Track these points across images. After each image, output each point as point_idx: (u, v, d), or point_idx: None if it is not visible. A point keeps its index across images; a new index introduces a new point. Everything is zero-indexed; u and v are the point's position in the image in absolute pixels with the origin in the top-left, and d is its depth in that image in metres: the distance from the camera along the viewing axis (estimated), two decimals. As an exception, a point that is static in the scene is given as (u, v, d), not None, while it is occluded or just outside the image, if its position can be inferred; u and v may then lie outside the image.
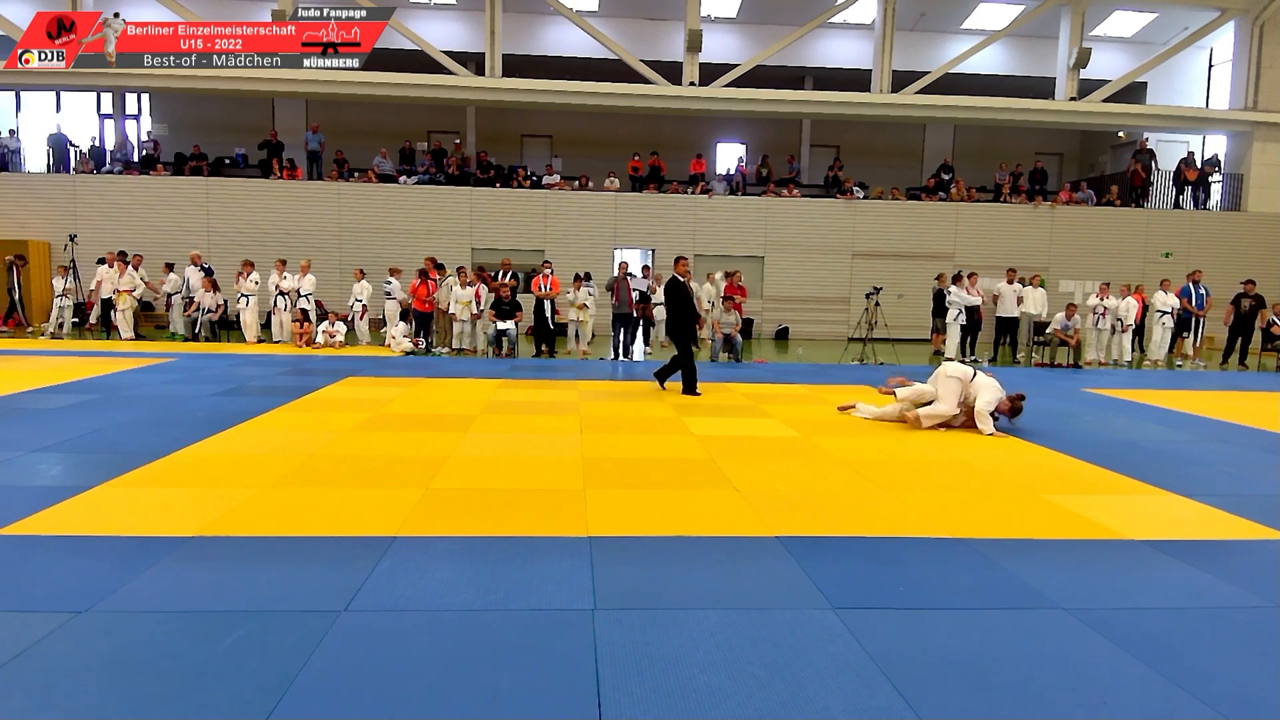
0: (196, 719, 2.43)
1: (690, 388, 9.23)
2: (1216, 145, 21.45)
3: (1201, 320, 15.35)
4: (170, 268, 15.46)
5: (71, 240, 14.98)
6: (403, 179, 18.88)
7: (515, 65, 19.40)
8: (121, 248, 15.57)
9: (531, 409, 8.06)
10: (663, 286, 9.73)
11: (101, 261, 14.72)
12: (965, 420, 7.46)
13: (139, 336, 14.56)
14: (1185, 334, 15.28)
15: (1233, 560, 4.09)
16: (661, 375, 9.54)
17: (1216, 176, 20.26)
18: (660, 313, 15.34)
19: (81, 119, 20.08)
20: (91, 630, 2.97)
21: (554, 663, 2.81)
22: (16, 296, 14.82)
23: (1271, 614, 3.41)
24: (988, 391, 7.32)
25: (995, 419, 7.42)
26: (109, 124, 20.66)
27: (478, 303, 13.53)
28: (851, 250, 19.08)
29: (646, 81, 18.56)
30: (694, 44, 18.35)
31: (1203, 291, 15.15)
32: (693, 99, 18.72)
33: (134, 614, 3.12)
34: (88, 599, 3.23)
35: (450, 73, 18.07)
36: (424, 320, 13.91)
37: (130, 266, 14.62)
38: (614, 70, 19.06)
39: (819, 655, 2.91)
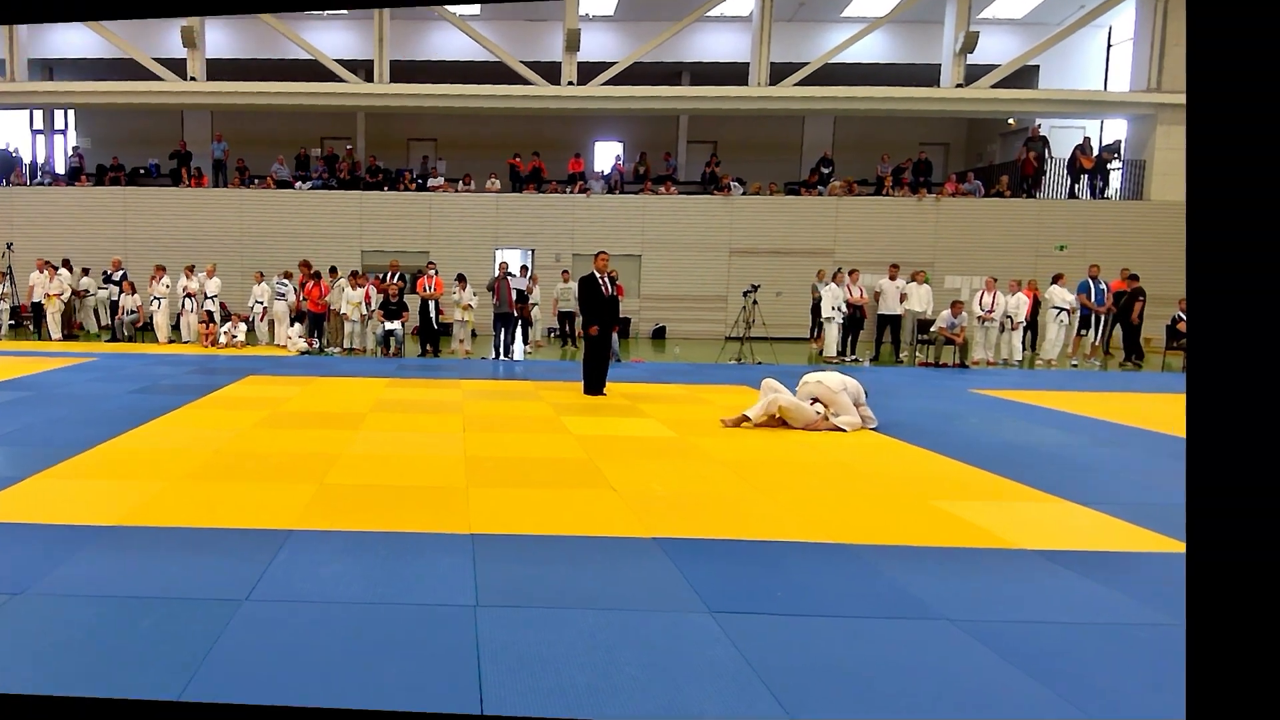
0: (120, 697, 2.52)
1: (591, 385, 9.11)
2: (1117, 130, 20.31)
3: (1104, 317, 14.81)
4: (86, 272, 16.76)
5: (8, 248, 16.33)
6: (298, 185, 19.76)
7: (402, 71, 19.89)
8: (53, 254, 16.62)
9: (418, 408, 8.43)
10: (577, 282, 9.55)
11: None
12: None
13: (68, 337, 15.82)
14: (1084, 331, 14.74)
15: (1130, 573, 3.91)
16: (591, 382, 9.22)
17: (1116, 164, 19.29)
18: (537, 313, 15.71)
19: (15, 135, 21.63)
20: (27, 612, 3.29)
21: (439, 657, 2.93)
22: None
23: (1173, 631, 3.24)
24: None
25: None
26: (40, 139, 22.23)
27: (367, 304, 14.14)
28: (729, 247, 19.03)
29: (526, 83, 18.85)
30: (572, 43, 18.49)
31: (1103, 287, 14.51)
32: (571, 98, 18.92)
33: (64, 597, 3.44)
34: (24, 581, 3.54)
35: (341, 80, 18.77)
36: (317, 321, 14.71)
37: (60, 270, 15.75)
38: (498, 73, 19.37)
39: (697, 659, 2.94)
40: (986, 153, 21.54)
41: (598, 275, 9.15)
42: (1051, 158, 19.46)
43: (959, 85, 18.58)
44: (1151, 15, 18.23)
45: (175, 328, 16.17)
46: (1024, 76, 20.22)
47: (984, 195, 19.24)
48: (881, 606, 3.44)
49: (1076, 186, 19.06)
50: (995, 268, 16.66)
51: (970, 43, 18.25)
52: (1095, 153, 18.96)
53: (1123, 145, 19.48)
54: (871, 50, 20.26)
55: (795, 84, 18.60)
